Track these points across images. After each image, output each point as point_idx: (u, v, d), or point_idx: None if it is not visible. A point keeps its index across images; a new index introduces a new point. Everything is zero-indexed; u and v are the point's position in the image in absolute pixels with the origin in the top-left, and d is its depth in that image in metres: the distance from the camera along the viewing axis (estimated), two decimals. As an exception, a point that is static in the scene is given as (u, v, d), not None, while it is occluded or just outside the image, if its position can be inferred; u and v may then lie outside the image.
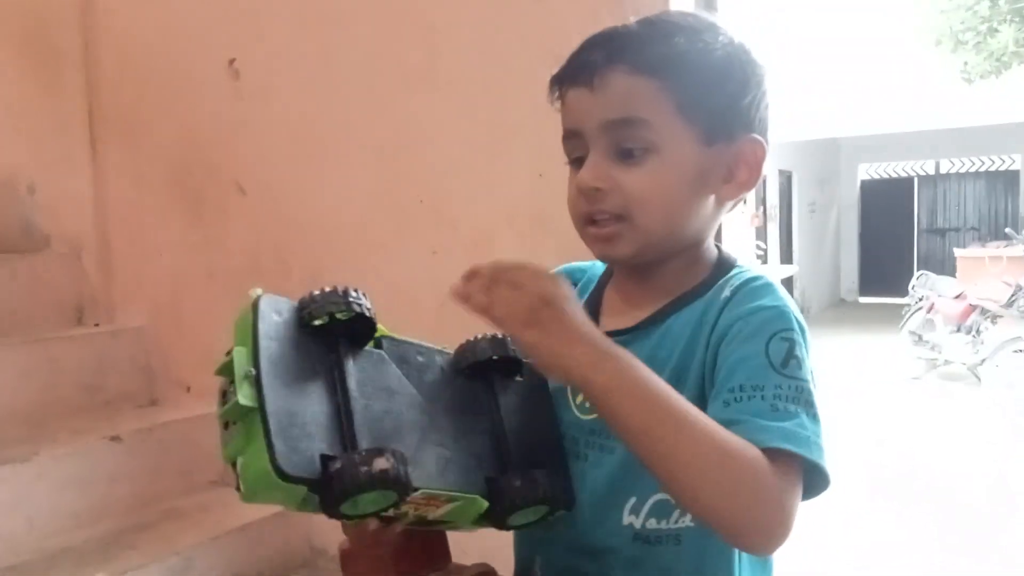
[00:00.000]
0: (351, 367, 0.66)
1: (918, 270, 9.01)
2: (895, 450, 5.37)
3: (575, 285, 0.87)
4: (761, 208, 10.22)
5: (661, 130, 0.74)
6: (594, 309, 0.84)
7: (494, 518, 0.70)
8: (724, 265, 0.81)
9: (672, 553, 0.75)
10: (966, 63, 6.38)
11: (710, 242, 0.82)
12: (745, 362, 0.69)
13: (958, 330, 7.04)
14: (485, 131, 1.71)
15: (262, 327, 0.62)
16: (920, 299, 7.39)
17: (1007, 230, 9.15)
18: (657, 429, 0.64)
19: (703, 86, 0.75)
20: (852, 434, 5.71)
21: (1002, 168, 12.59)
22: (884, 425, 5.98)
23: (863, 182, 13.60)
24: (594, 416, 0.76)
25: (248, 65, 1.98)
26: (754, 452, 0.64)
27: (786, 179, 11.22)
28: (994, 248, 9.04)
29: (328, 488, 0.59)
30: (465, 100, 1.72)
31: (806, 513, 0.69)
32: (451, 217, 1.81)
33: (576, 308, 0.68)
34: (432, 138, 1.78)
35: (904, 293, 7.95)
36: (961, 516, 4.22)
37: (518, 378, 0.78)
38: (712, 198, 0.78)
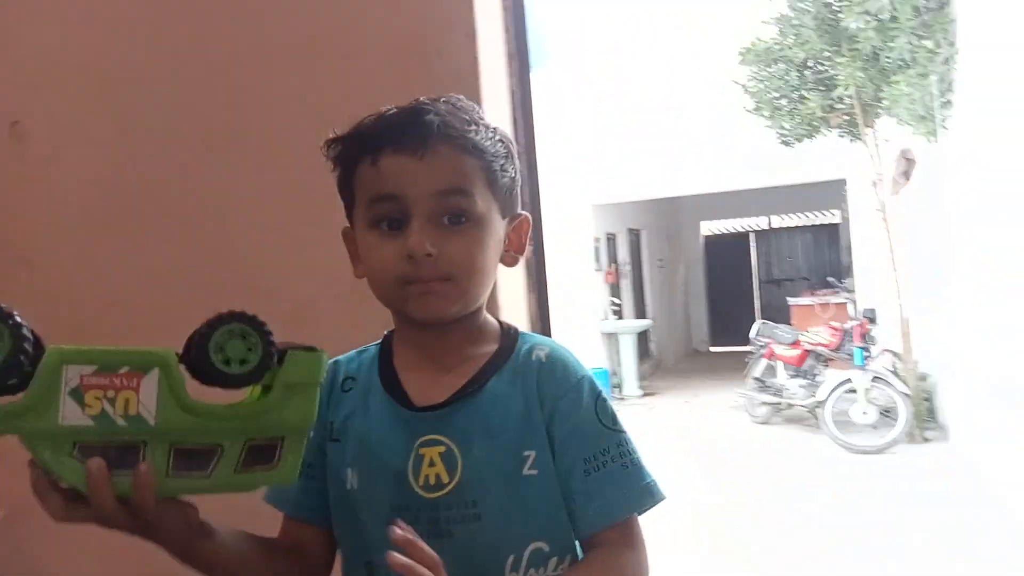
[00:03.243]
0: None
1: (759, 319, 9.58)
2: (744, 492, 5.56)
3: (350, 376, 0.91)
4: (614, 265, 10.60)
5: (479, 203, 0.84)
6: (394, 388, 0.87)
7: (198, 369, 0.66)
8: (506, 327, 0.91)
9: None
10: (783, 127, 6.96)
11: (484, 304, 0.90)
12: (585, 431, 0.82)
13: (796, 375, 7.49)
14: (297, 194, 1.62)
15: None
16: (762, 347, 7.82)
17: (830, 279, 9.95)
18: None
19: (499, 168, 0.87)
20: (702, 480, 5.87)
21: (825, 222, 13.77)
22: (737, 467, 6.20)
23: (706, 237, 14.47)
24: (442, 492, 0.81)
25: (34, 127, 1.80)
26: (618, 568, 0.81)
27: (635, 237, 11.73)
28: (822, 296, 9.78)
29: None
30: (276, 162, 1.64)
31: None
32: (267, 288, 1.69)
33: None
34: (241, 203, 1.67)
35: (749, 342, 8.40)
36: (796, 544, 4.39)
37: None
38: (498, 263, 0.89)
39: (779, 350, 7.60)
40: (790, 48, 6.49)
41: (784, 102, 6.81)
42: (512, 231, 0.90)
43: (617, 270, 10.74)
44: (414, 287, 0.82)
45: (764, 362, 7.70)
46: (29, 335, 0.61)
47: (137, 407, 0.63)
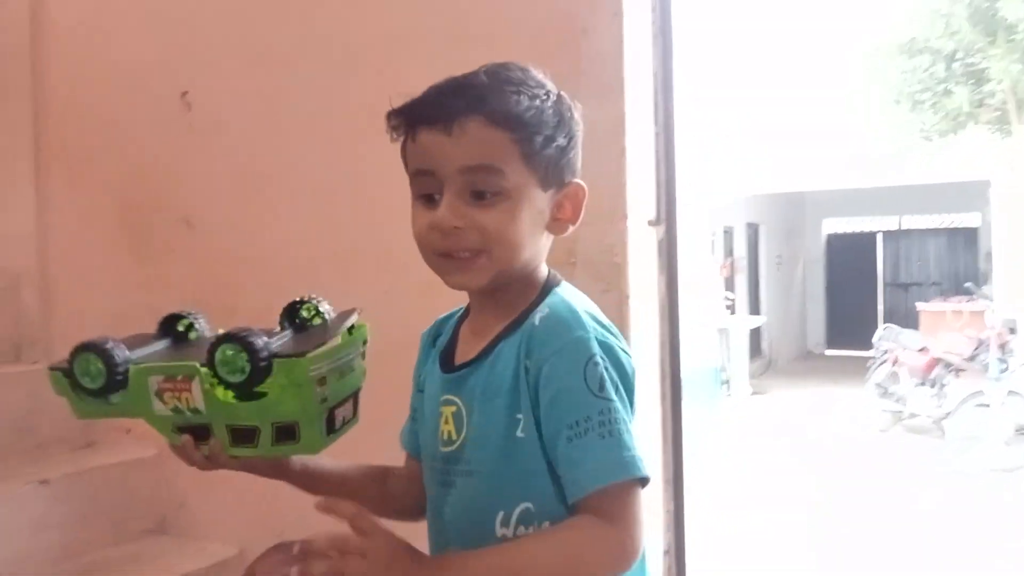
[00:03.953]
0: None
1: (883, 323, 9.12)
2: (858, 500, 5.33)
3: (440, 334, 0.98)
4: (729, 259, 10.33)
5: (511, 177, 0.84)
6: (448, 348, 0.94)
7: (214, 376, 0.85)
8: (547, 287, 0.90)
9: None
10: (924, 122, 6.56)
11: (542, 266, 0.92)
12: (571, 394, 0.80)
13: (922, 383, 7.09)
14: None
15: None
16: (885, 352, 7.45)
17: (967, 285, 9.32)
18: None
19: (542, 140, 0.86)
20: (820, 484, 5.67)
21: (961, 225, 12.90)
22: (851, 475, 5.94)
23: (828, 236, 13.84)
24: (451, 448, 0.87)
25: (200, 98, 1.94)
26: (592, 541, 0.79)
27: (753, 231, 11.37)
28: (956, 303, 9.19)
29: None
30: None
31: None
32: (402, 260, 1.76)
33: (413, 563, 0.77)
34: (383, 179, 1.74)
35: (869, 346, 8.02)
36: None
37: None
38: (546, 232, 0.90)
39: (905, 356, 7.21)
40: (937, 39, 6.09)
41: (927, 96, 6.42)
42: (564, 198, 0.89)
43: (732, 264, 10.46)
44: (449, 260, 0.85)
45: (887, 368, 7.33)
46: (121, 361, 0.87)
47: (194, 402, 0.86)
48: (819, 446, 6.88)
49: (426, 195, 0.86)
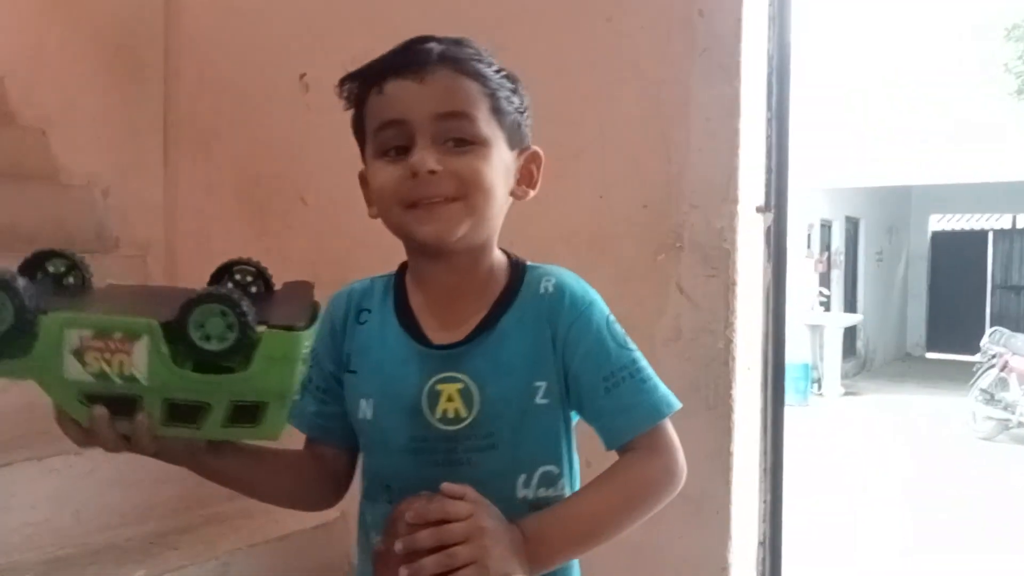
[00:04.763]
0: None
1: (991, 327, 8.64)
2: (965, 511, 5.10)
3: (366, 308, 0.92)
4: (826, 254, 9.99)
5: (483, 127, 0.84)
6: (410, 324, 0.88)
7: (177, 340, 0.69)
8: (513, 260, 0.91)
9: None
10: (1048, 113, 6.15)
11: (496, 236, 0.90)
12: (601, 351, 0.84)
13: (1034, 390, 6.71)
14: (548, 150, 1.69)
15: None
16: (993, 357, 7.08)
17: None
18: (597, 538, 0.84)
19: (505, 98, 0.87)
20: (921, 494, 5.45)
21: (1084, 225, 12.06)
22: (954, 485, 5.68)
23: (934, 233, 13.18)
24: (460, 426, 0.84)
25: (318, 80, 2.01)
26: (640, 473, 0.85)
27: (853, 226, 10.95)
28: (1074, 307, 8.61)
29: None
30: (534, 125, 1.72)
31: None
32: (507, 235, 1.79)
33: (499, 533, 0.78)
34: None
35: (974, 351, 7.63)
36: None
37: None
38: (509, 199, 0.89)
39: (1016, 362, 6.83)
40: (1068, 23, 5.69)
41: (1051, 85, 6.00)
42: (528, 162, 0.91)
43: (829, 259, 10.11)
44: (420, 210, 0.82)
45: (995, 373, 6.96)
46: (30, 303, 0.67)
47: (131, 368, 0.69)
48: (914, 450, 6.60)
49: (396, 147, 0.83)
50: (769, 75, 1.59)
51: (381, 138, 0.85)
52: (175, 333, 0.69)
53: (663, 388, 0.87)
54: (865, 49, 9.04)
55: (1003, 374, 6.94)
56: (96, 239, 2.44)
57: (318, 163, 2.06)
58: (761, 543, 1.64)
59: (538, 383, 0.85)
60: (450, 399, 0.84)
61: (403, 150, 0.83)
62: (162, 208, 2.34)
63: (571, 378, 0.85)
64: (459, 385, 0.84)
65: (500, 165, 0.86)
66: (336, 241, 2.03)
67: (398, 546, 0.75)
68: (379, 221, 2.05)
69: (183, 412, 0.72)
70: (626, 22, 1.56)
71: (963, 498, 5.37)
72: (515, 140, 0.89)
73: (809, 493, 5.03)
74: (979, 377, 7.12)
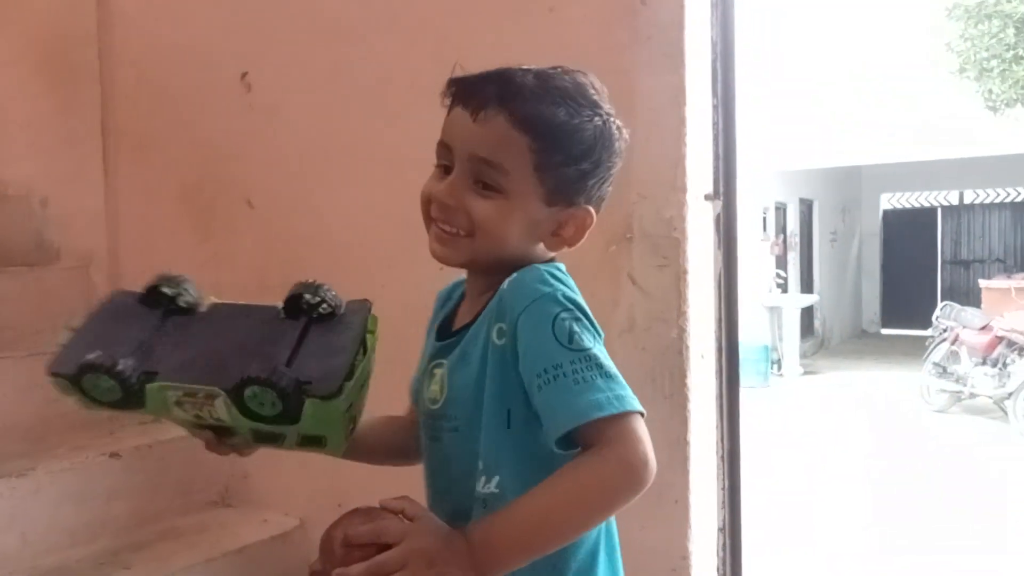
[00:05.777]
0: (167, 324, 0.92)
1: (942, 301, 8.86)
2: (922, 484, 5.23)
3: (449, 296, 1.02)
4: (781, 236, 10.14)
5: (515, 181, 0.86)
6: (450, 315, 0.99)
7: (239, 405, 0.84)
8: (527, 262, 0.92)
9: None
10: (991, 91, 6.31)
11: (539, 255, 0.93)
12: (540, 348, 0.82)
13: (984, 362, 6.89)
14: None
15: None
16: (944, 330, 7.26)
17: (1036, 261, 9.00)
18: (550, 540, 0.82)
19: (563, 157, 0.86)
20: (879, 469, 5.57)
21: (1027, 199, 12.42)
22: (910, 459, 5.82)
23: (886, 212, 13.47)
24: (437, 406, 0.92)
25: (260, 78, 1.97)
26: (589, 467, 0.79)
27: (807, 207, 11.13)
28: (1020, 279, 8.88)
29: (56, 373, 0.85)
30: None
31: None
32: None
33: (436, 551, 0.80)
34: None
35: (927, 325, 7.82)
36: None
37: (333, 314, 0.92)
38: (540, 245, 0.92)
39: (966, 335, 7.01)
40: (1009, 2, 5.82)
41: (995, 63, 6.16)
42: (568, 219, 0.90)
43: (785, 241, 10.26)
44: (435, 228, 0.90)
45: (946, 347, 7.14)
46: (131, 377, 0.84)
47: (217, 414, 0.86)
48: (873, 425, 6.76)
49: (444, 164, 0.90)
50: (714, 62, 1.59)
51: (438, 150, 0.91)
52: (238, 407, 0.85)
53: (606, 391, 0.81)
54: (818, 29, 9.17)
55: (954, 347, 7.12)
56: (36, 251, 2.35)
57: (263, 164, 2.02)
58: (721, 529, 1.65)
59: (485, 380, 0.88)
60: (436, 381, 0.93)
61: (448, 169, 0.89)
62: (103, 216, 2.27)
63: (520, 372, 0.85)
64: (442, 370, 0.93)
65: (522, 219, 0.88)
66: (284, 243, 1.98)
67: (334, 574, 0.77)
68: (326, 222, 1.99)
69: (266, 437, 0.90)
70: (569, 12, 1.54)
71: (920, 471, 5.51)
72: (559, 196, 0.89)
73: (771, 473, 5.11)
74: (931, 351, 7.30)
